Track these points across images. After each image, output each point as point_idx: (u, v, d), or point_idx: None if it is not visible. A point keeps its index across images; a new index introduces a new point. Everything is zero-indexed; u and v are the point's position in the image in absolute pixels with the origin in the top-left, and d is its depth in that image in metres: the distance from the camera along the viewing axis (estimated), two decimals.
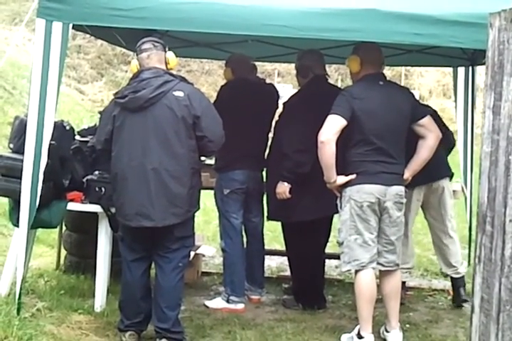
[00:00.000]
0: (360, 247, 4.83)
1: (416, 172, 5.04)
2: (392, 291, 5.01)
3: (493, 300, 2.74)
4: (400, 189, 4.90)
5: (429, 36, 4.50)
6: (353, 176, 4.82)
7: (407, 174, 4.99)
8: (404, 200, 4.95)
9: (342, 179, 4.84)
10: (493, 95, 2.82)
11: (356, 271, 4.90)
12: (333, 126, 4.75)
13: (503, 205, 2.72)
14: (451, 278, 6.01)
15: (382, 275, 5.04)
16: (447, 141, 5.67)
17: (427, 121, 4.99)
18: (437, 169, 5.29)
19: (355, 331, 4.96)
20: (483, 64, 2.95)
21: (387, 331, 5.05)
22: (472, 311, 2.94)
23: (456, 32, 4.45)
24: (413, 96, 5.25)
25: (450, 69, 7.44)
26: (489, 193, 2.81)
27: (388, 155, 4.85)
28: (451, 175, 5.95)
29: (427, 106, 6.03)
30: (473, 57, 6.59)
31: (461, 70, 7.04)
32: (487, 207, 2.81)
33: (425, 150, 4.97)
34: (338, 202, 4.97)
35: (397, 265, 5.02)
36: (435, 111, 5.90)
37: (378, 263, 4.94)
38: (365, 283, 4.87)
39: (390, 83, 5.16)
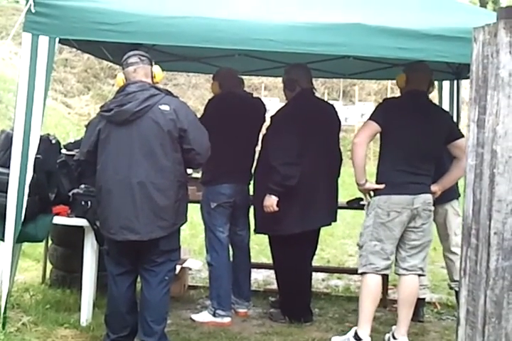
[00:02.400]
0: (377, 253, 5.03)
1: (445, 188, 5.25)
2: (408, 297, 5.13)
3: (479, 312, 2.75)
4: (428, 197, 5.09)
5: (414, 50, 4.54)
6: (382, 186, 5.02)
7: (436, 188, 5.18)
8: (432, 208, 5.13)
9: (371, 185, 5.08)
10: (477, 109, 2.84)
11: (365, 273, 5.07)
12: (367, 130, 5.01)
13: (487, 218, 2.73)
14: (456, 291, 5.99)
15: (401, 280, 5.17)
16: None
17: (462, 142, 5.10)
18: (442, 193, 5.35)
19: (352, 332, 5.04)
20: (468, 78, 2.97)
21: (394, 338, 5.11)
22: (458, 324, 2.94)
23: (441, 46, 4.49)
24: (451, 118, 5.56)
25: (435, 83, 7.47)
26: (474, 206, 2.82)
27: (416, 167, 5.04)
28: (458, 195, 5.98)
29: None
30: (458, 71, 6.64)
31: (446, 84, 7.08)
32: (472, 220, 2.82)
33: (458, 170, 5.14)
34: (365, 207, 5.18)
35: (421, 269, 5.17)
36: None
37: (403, 269, 5.12)
38: (374, 284, 5.06)
39: (430, 102, 5.35)
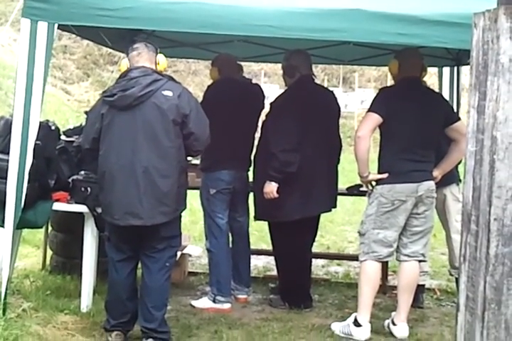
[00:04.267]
0: (380, 241, 5.04)
1: (445, 172, 5.28)
2: (409, 284, 5.16)
3: (478, 298, 2.75)
4: (431, 184, 5.10)
5: (414, 36, 4.52)
6: (385, 175, 5.01)
7: (436, 172, 5.19)
8: (435, 195, 5.15)
9: (374, 176, 5.06)
10: (477, 95, 2.83)
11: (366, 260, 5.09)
12: (369, 122, 4.99)
13: (487, 204, 2.72)
14: (456, 278, 5.99)
15: (402, 267, 5.20)
16: None
17: (459, 125, 5.16)
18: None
19: (351, 319, 5.06)
20: (468, 64, 2.96)
21: (393, 324, 5.13)
22: (457, 310, 2.94)
23: (441, 32, 4.47)
24: (447, 101, 5.57)
25: (435, 70, 7.46)
26: (474, 192, 2.81)
27: (418, 155, 5.04)
28: (458, 180, 5.96)
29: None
30: (458, 57, 6.62)
31: (446, 70, 7.07)
32: (472, 206, 2.82)
33: (457, 153, 5.17)
34: (367, 196, 5.18)
35: (423, 255, 5.19)
36: None
37: (404, 255, 5.14)
38: (375, 271, 5.09)
39: (425, 88, 5.36)
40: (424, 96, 5.15)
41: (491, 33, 2.75)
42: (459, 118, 5.30)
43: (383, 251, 5.05)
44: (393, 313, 5.21)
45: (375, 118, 4.96)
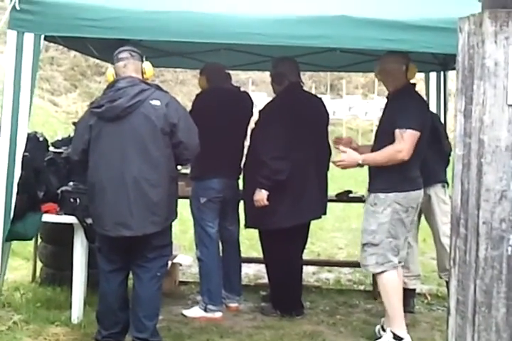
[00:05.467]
0: (391, 250, 4.95)
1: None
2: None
3: (469, 302, 2.76)
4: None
5: (400, 42, 4.53)
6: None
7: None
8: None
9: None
10: (464, 99, 2.85)
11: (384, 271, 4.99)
12: (414, 142, 4.80)
13: (476, 207, 2.74)
14: (446, 282, 5.99)
15: None
16: (448, 148, 5.74)
17: None
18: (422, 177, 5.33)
19: (389, 335, 4.95)
20: (455, 69, 2.97)
21: (383, 329, 5.09)
22: (448, 313, 2.95)
23: (427, 37, 4.48)
24: None
25: (422, 75, 7.49)
26: (462, 196, 2.82)
27: (420, 160, 5.03)
28: (444, 181, 5.95)
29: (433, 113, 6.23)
30: (445, 62, 6.65)
31: (432, 75, 7.10)
32: (460, 210, 2.83)
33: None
34: (369, 203, 4.97)
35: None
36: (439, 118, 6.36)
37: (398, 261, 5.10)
38: (398, 280, 5.00)
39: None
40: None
41: (476, 37, 2.77)
42: None
43: (395, 260, 4.98)
44: (382, 319, 5.19)
45: (417, 136, 4.82)
